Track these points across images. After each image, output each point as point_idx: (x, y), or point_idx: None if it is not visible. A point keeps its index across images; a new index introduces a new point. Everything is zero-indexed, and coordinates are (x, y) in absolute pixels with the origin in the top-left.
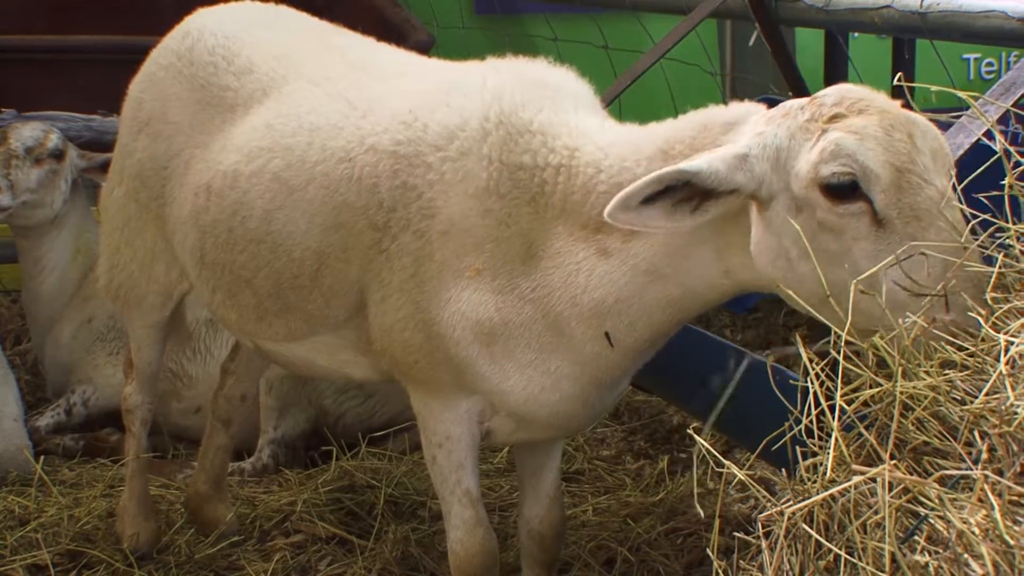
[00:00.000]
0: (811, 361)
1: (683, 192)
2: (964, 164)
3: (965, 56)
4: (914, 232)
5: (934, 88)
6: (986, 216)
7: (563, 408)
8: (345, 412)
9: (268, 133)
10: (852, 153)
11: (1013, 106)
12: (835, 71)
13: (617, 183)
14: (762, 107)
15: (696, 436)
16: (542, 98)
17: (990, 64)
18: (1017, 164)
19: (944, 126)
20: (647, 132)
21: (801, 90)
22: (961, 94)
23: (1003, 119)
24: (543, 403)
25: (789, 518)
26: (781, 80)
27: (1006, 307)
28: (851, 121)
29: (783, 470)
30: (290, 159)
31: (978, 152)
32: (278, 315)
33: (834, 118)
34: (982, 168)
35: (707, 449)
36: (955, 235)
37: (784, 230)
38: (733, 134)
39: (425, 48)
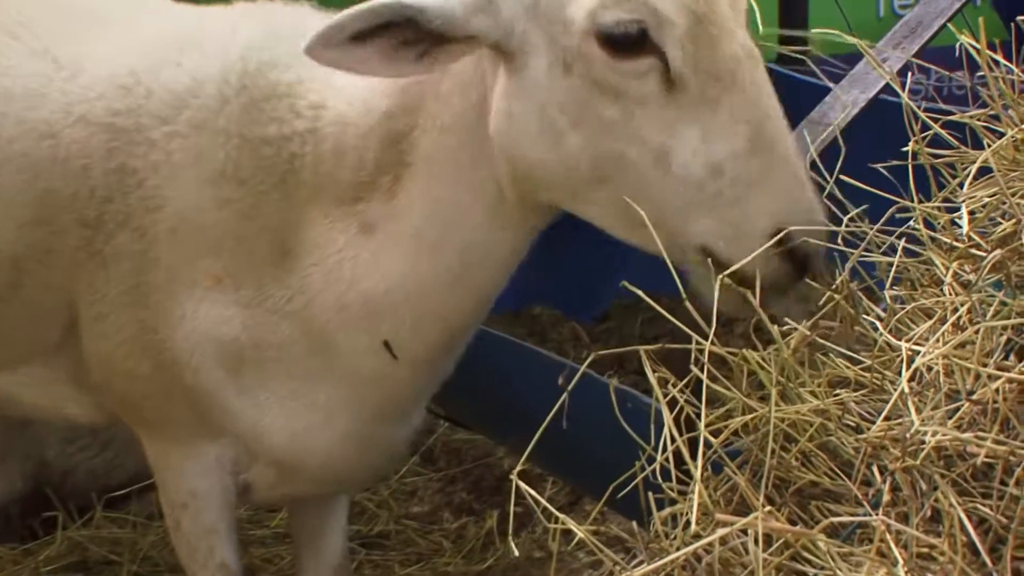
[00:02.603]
0: (666, 383)
1: (408, 32)
2: (858, 127)
3: None
4: (713, 95)
5: (815, 33)
6: (885, 194)
7: (338, 452)
8: (74, 467)
9: None
10: None
11: (919, 54)
12: None
13: (367, 130)
14: None
15: (520, 483)
16: (296, 52)
17: None
18: (925, 127)
19: (834, 78)
20: None
21: None
22: (852, 40)
23: (908, 68)
24: (312, 446)
25: None
26: None
27: (909, 307)
28: None
29: (635, 523)
30: None
31: (876, 111)
32: None
33: None
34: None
35: (535, 498)
36: (763, 102)
37: (550, 94)
38: None
39: None
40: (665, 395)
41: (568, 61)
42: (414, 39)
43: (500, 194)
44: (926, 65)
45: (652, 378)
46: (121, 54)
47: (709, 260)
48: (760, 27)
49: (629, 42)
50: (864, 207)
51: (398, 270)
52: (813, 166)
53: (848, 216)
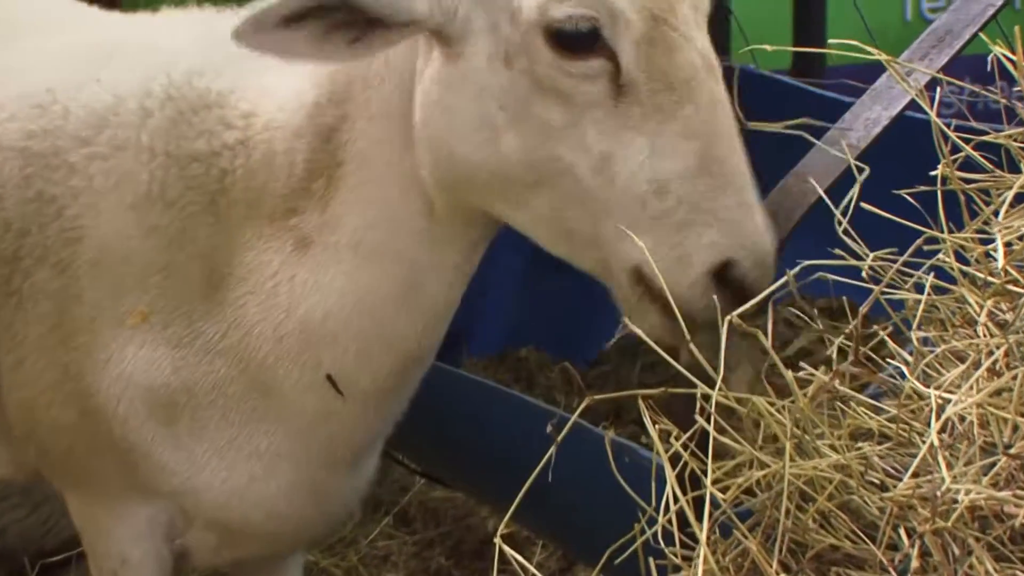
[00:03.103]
0: (668, 435)
1: (342, 15)
2: (880, 148)
3: None
4: (665, 106)
5: (832, 44)
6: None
7: (284, 505)
8: (3, 528)
9: None
10: None
11: (948, 68)
12: (713, 11)
13: (295, 129)
14: None
15: (504, 547)
16: (230, 57)
17: None
18: (956, 148)
19: (854, 93)
20: None
21: None
22: (874, 53)
23: (936, 82)
24: (255, 500)
25: None
26: None
27: (939, 350)
28: None
29: None
30: None
31: (901, 130)
32: None
33: None
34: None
35: (521, 564)
36: (718, 118)
37: (488, 87)
38: None
39: None
40: (667, 448)
41: (510, 54)
42: (347, 22)
43: (433, 195)
44: (956, 83)
45: (652, 429)
46: (36, 69)
47: (639, 286)
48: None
49: (579, 41)
50: (891, 250)
51: (338, 288)
52: (828, 193)
53: (872, 254)
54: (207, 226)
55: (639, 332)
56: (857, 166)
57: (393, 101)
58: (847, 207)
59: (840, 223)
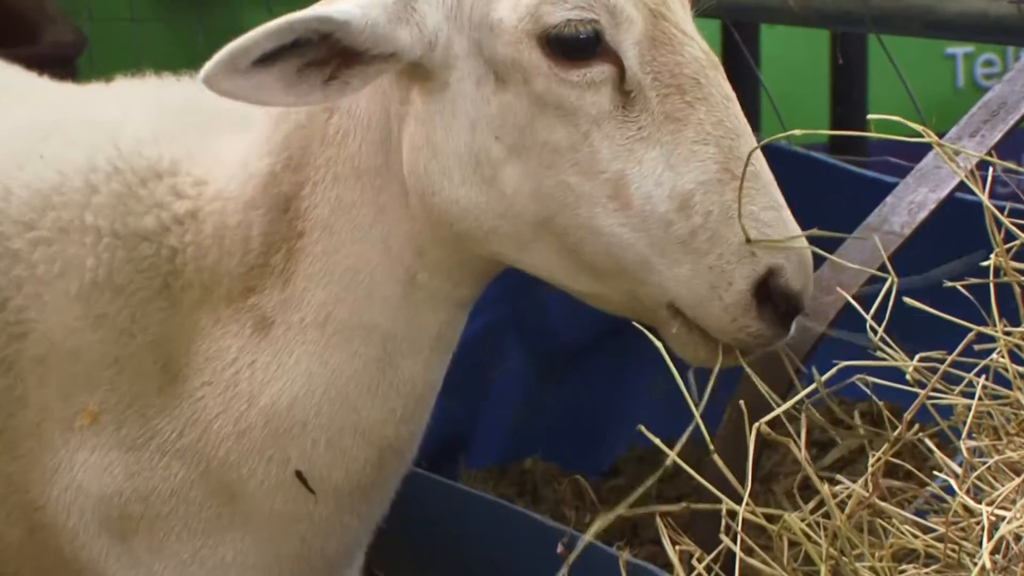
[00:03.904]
0: (689, 556)
1: (318, 51)
2: (927, 234)
3: (950, 51)
4: (676, 111)
5: (872, 120)
6: (961, 322)
7: None
8: None
9: None
10: None
11: (1001, 145)
12: (740, 83)
13: (248, 200)
14: None
15: None
16: (184, 125)
17: (990, 63)
18: (1010, 236)
19: (899, 172)
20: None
21: None
22: (919, 130)
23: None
24: None
25: None
26: None
27: (991, 462)
28: None
29: None
30: None
31: (950, 214)
32: None
33: None
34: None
35: None
36: (733, 118)
37: (480, 116)
38: None
39: (70, 52)
40: (689, 571)
41: (501, 73)
42: (322, 59)
43: (417, 255)
44: (1011, 167)
45: (671, 550)
46: None
47: (679, 317)
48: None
49: (579, 45)
50: (940, 353)
51: (304, 371)
52: (871, 284)
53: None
54: (159, 312)
55: (657, 441)
56: (889, 267)
57: (361, 157)
58: (884, 307)
59: (875, 331)
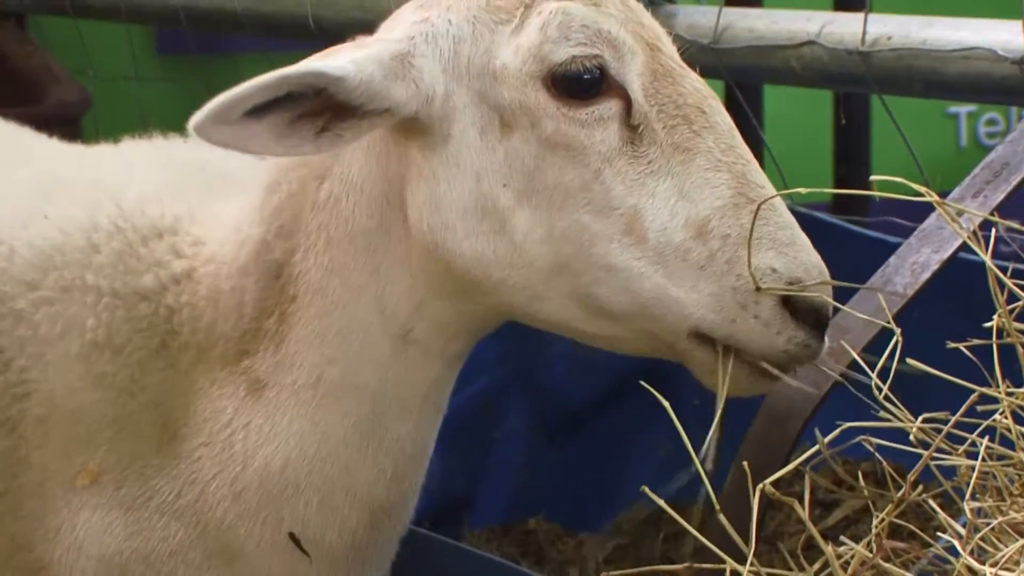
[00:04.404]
0: None
1: (310, 103)
2: (930, 294)
3: (953, 110)
4: (684, 141)
5: (875, 182)
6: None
7: None
8: None
9: None
10: (594, 24)
11: (1004, 206)
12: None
13: (241, 266)
14: None
15: None
16: (188, 185)
17: (993, 122)
18: (1013, 297)
19: (902, 232)
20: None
21: None
22: (922, 191)
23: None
24: None
25: None
26: None
27: (995, 523)
28: None
29: None
30: None
31: (953, 275)
32: None
33: None
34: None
35: None
36: (739, 144)
37: (485, 165)
38: None
39: (75, 111)
40: None
41: (507, 119)
42: (314, 111)
43: (415, 310)
44: (1014, 226)
45: None
46: None
47: (707, 345)
48: (781, 173)
49: (585, 82)
50: (943, 414)
51: (296, 432)
52: (871, 347)
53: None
54: (158, 371)
55: (661, 502)
56: (893, 327)
57: (354, 221)
58: (887, 368)
59: (879, 389)
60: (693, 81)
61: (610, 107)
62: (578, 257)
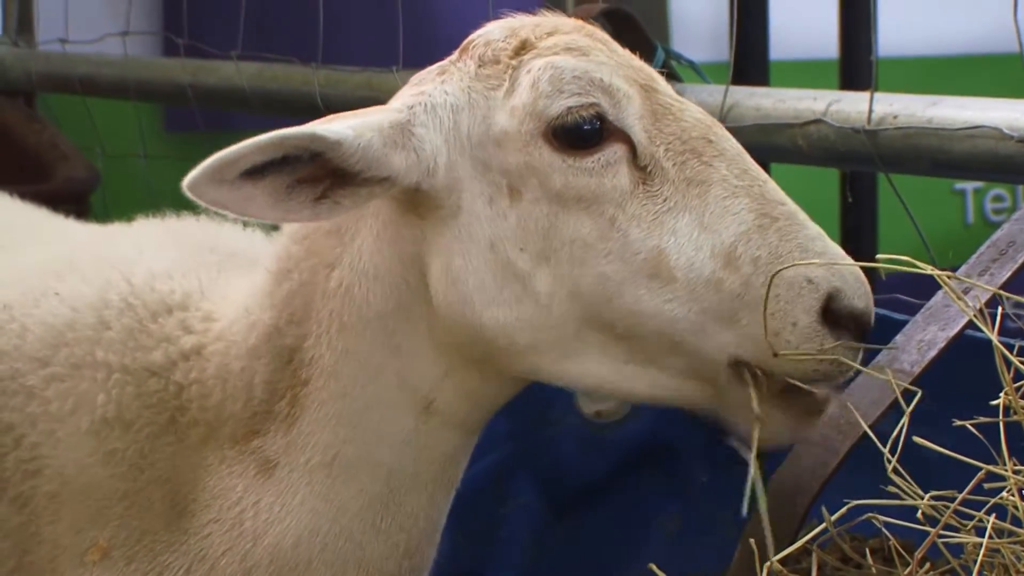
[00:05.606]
0: None
1: (308, 168)
2: (937, 372)
3: (960, 187)
4: (697, 174)
5: (882, 259)
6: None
7: None
8: None
9: None
10: (585, 74)
11: (1011, 283)
12: None
13: (251, 349)
14: None
15: None
16: (199, 262)
17: (1000, 198)
18: (1020, 375)
19: (909, 310)
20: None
21: None
22: (928, 269)
23: (998, 299)
24: None
25: None
26: None
27: None
28: (550, 42)
29: None
30: None
31: (960, 352)
32: None
33: (521, 49)
34: None
35: None
36: (752, 166)
37: (498, 233)
38: None
39: (83, 188)
40: None
41: (515, 183)
42: (313, 177)
43: (439, 380)
44: (1020, 299)
45: None
46: None
47: (747, 374)
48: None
49: (585, 132)
50: (950, 492)
51: (309, 509)
52: (879, 424)
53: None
54: (168, 447)
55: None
56: (905, 397)
57: (368, 306)
58: (897, 442)
59: (889, 462)
60: (694, 113)
61: (615, 151)
62: (607, 309)
